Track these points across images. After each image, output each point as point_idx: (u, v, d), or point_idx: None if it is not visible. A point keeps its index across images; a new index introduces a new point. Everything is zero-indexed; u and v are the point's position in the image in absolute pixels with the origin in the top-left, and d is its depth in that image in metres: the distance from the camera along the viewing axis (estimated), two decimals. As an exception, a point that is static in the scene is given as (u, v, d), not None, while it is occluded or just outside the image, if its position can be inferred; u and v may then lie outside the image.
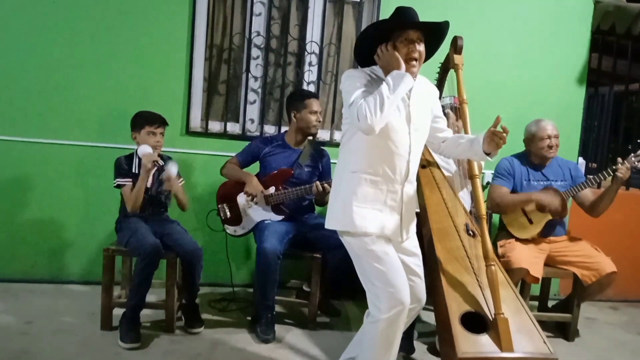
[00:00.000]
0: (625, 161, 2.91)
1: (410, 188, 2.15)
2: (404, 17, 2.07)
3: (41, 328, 2.77)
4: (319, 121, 3.09)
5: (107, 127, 3.43)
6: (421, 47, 2.05)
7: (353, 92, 2.00)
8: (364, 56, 2.16)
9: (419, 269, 2.22)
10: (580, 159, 4.05)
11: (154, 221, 2.91)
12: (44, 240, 3.48)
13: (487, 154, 2.11)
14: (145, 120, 2.86)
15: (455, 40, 2.34)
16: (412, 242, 2.22)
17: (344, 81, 2.08)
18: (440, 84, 2.64)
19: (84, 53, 3.39)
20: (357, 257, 2.10)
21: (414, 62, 2.04)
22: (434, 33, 2.10)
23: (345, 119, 2.15)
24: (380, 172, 2.06)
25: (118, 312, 2.77)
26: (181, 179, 2.99)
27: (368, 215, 2.04)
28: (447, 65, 2.52)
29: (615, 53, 4.00)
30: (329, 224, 2.16)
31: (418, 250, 2.24)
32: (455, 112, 2.84)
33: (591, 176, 3.04)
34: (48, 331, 2.73)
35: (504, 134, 2.01)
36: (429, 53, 2.13)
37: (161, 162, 2.81)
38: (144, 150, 2.79)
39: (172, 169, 2.85)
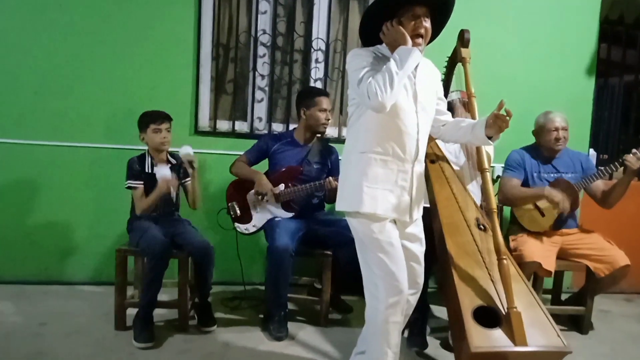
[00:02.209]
0: (637, 151, 2.88)
1: (420, 167, 2.15)
2: None
3: (55, 329, 2.79)
4: (328, 119, 3.09)
5: (116, 128, 3.45)
6: (427, 24, 2.04)
7: (361, 70, 1.99)
8: (369, 35, 2.15)
9: (421, 255, 2.24)
10: (591, 151, 4.01)
11: (165, 221, 2.93)
12: (55, 242, 3.51)
13: (489, 138, 2.10)
14: (149, 119, 2.89)
15: (462, 33, 2.33)
16: (417, 227, 2.22)
17: (350, 61, 2.07)
18: (447, 79, 2.63)
19: (91, 54, 3.41)
20: (361, 243, 2.11)
21: (420, 39, 2.04)
22: (439, 10, 2.09)
23: (352, 100, 2.14)
24: (390, 151, 2.05)
25: (131, 312, 2.79)
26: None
27: (378, 197, 2.03)
28: (454, 59, 2.51)
29: (625, 43, 3.96)
30: (339, 206, 2.15)
31: (422, 235, 2.24)
32: (464, 106, 2.82)
33: (602, 167, 3.02)
34: (62, 332, 2.75)
35: (507, 118, 2.01)
36: (434, 33, 2.12)
37: (175, 191, 2.92)
38: (163, 173, 2.82)
39: (189, 149, 2.89)
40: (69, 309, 3.08)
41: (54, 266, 3.52)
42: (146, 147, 2.95)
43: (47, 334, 2.73)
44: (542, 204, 3.02)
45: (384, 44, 2.11)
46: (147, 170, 2.90)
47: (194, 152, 2.93)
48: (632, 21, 3.73)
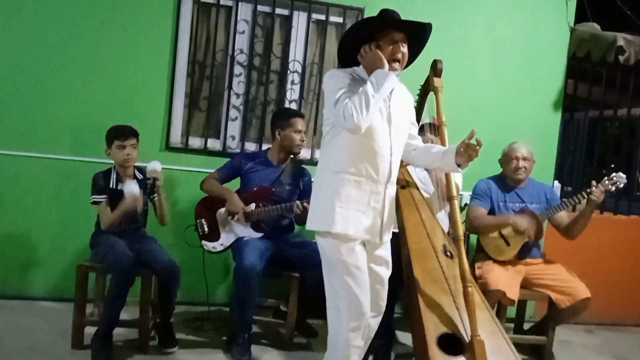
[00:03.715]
0: (599, 185, 2.96)
1: (392, 190, 2.18)
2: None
3: (10, 346, 2.69)
4: (303, 140, 3.10)
5: (85, 141, 3.39)
6: (404, 49, 2.10)
7: (337, 91, 2.01)
8: (347, 56, 2.18)
9: (386, 278, 2.26)
10: (556, 183, 4.11)
11: (131, 237, 2.87)
12: (15, 255, 3.40)
13: (458, 166, 2.14)
14: (114, 134, 2.84)
15: (435, 63, 2.37)
16: (385, 250, 2.24)
17: (327, 81, 2.10)
18: (420, 107, 2.67)
19: (64, 66, 3.36)
20: (327, 264, 2.11)
21: (397, 64, 2.09)
22: (416, 36, 2.15)
23: (327, 120, 2.15)
24: (364, 172, 2.07)
25: (90, 330, 2.71)
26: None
27: (351, 217, 2.05)
28: (426, 88, 2.55)
29: (591, 79, 4.10)
30: (310, 225, 2.16)
31: (389, 258, 2.26)
32: (434, 129, 2.86)
33: (566, 199, 3.09)
34: (18, 349, 2.65)
35: (477, 147, 2.05)
36: (410, 59, 2.17)
37: (141, 210, 2.84)
38: (131, 189, 2.75)
39: (157, 165, 2.82)
40: (26, 324, 2.98)
41: (12, 280, 3.40)
42: (112, 162, 2.90)
43: (2, 350, 2.62)
44: (507, 233, 3.07)
45: (361, 66, 2.14)
46: (111, 186, 2.86)
47: (163, 168, 2.88)
48: (599, 59, 3.87)
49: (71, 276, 2.87)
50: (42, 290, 3.44)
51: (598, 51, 3.85)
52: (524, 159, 3.13)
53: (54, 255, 3.43)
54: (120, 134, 2.83)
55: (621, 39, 3.80)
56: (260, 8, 3.60)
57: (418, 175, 2.98)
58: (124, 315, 2.73)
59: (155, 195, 2.90)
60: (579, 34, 3.86)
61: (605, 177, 3.00)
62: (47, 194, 3.41)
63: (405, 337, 3.25)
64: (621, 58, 3.82)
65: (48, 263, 3.44)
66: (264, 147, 3.54)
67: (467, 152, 2.07)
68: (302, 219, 2.90)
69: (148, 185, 2.86)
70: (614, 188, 2.97)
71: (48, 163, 3.38)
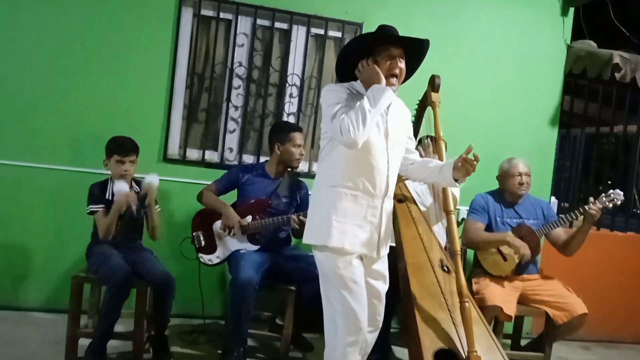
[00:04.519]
0: (596, 201, 2.97)
1: (389, 204, 2.17)
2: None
3: (3, 357, 2.66)
4: (302, 154, 3.11)
5: (82, 152, 3.39)
6: (402, 64, 2.12)
7: (335, 106, 2.03)
8: (345, 71, 2.20)
9: (383, 293, 2.25)
10: (553, 199, 4.12)
11: (126, 248, 2.85)
12: (9, 265, 3.37)
13: (456, 181, 2.14)
14: (115, 147, 2.82)
15: (433, 78, 2.40)
16: (383, 264, 2.23)
17: (324, 95, 2.11)
18: (417, 121, 2.68)
19: (63, 76, 3.36)
20: (324, 278, 2.11)
21: (394, 79, 2.10)
22: (413, 52, 2.17)
23: (325, 133, 2.16)
24: (361, 186, 2.07)
25: (84, 342, 2.68)
26: (157, 207, 2.95)
27: (347, 231, 2.05)
28: (424, 103, 2.57)
29: (587, 96, 4.13)
30: (306, 239, 2.15)
31: (386, 273, 2.25)
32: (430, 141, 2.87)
33: (563, 215, 3.10)
34: (9, 360, 2.63)
35: (475, 162, 2.05)
36: (407, 75, 2.19)
37: (135, 207, 2.80)
38: (120, 188, 2.74)
39: (154, 179, 2.81)
40: (19, 335, 2.95)
41: (6, 290, 3.37)
42: (109, 172, 2.89)
43: (-7, 362, 2.60)
44: (504, 248, 3.07)
45: (358, 81, 2.16)
46: (107, 197, 2.84)
47: (161, 180, 2.88)
48: (595, 76, 3.90)
49: (66, 287, 2.85)
50: (36, 301, 3.41)
51: (594, 68, 3.88)
52: (526, 174, 3.15)
53: (48, 265, 3.41)
54: (121, 149, 2.80)
55: (617, 56, 3.83)
56: (259, 22, 3.63)
57: (415, 188, 2.99)
58: (118, 328, 2.71)
59: (147, 208, 2.89)
60: (576, 51, 3.90)
61: (603, 194, 3.00)
62: (43, 204, 3.39)
63: (401, 353, 3.23)
64: (617, 75, 3.86)
65: (43, 273, 3.41)
66: (262, 159, 3.55)
67: (464, 167, 2.08)
68: (299, 232, 2.90)
69: (140, 196, 2.85)
70: (611, 205, 2.98)
71: (45, 173, 3.37)
